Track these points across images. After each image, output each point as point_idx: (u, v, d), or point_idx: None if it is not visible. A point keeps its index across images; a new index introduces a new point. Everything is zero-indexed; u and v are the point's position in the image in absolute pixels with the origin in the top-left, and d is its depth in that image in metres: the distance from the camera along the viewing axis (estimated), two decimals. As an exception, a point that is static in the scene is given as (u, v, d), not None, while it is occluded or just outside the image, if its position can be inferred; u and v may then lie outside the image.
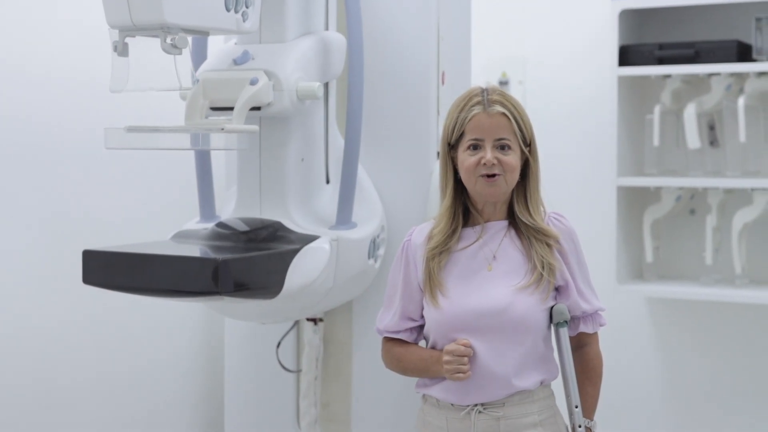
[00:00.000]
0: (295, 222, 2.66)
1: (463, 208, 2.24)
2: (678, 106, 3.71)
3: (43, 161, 2.93)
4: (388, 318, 2.29)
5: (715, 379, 3.82)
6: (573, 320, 2.25)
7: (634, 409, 3.89)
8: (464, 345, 2.14)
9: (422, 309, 2.25)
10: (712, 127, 3.69)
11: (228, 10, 2.37)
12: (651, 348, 3.90)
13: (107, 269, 2.51)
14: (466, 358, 2.14)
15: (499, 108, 2.17)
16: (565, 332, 2.22)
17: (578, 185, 3.90)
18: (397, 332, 2.29)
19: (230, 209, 2.79)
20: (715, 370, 3.82)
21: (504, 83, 4.08)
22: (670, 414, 3.90)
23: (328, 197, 2.79)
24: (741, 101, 3.49)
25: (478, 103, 2.18)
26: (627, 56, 3.66)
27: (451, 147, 2.22)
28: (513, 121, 2.18)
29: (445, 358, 2.15)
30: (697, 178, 3.64)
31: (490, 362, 2.16)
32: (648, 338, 3.90)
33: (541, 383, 2.22)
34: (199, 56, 2.72)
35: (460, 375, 2.14)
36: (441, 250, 2.21)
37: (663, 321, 3.89)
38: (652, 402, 3.91)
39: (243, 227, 2.65)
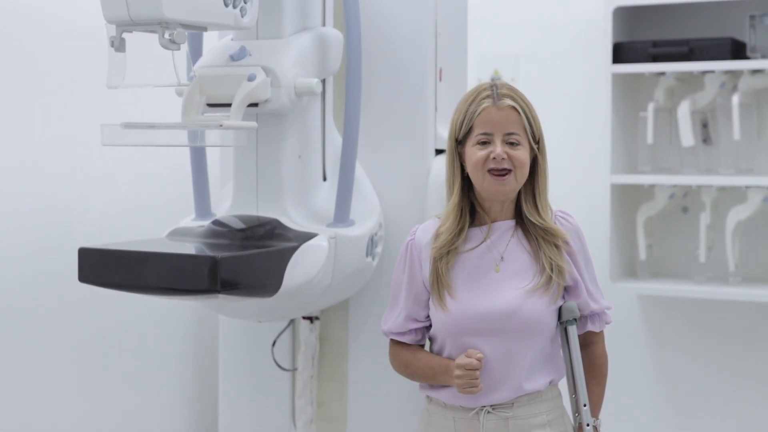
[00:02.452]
0: (293, 219, 2.64)
1: (469, 206, 2.21)
2: (672, 104, 3.71)
3: (38, 158, 2.90)
4: (393, 319, 2.26)
5: (707, 377, 3.82)
6: (581, 318, 2.23)
7: (627, 406, 3.89)
8: (477, 359, 2.10)
9: (428, 310, 2.22)
10: (705, 125, 3.69)
11: (226, 5, 2.36)
12: (644, 345, 3.90)
13: (103, 267, 2.48)
14: (477, 372, 2.10)
15: (509, 102, 2.14)
16: (574, 330, 2.21)
17: (571, 183, 3.89)
18: (403, 334, 2.26)
19: (226, 207, 2.76)
20: (708, 367, 3.82)
21: (495, 80, 4.06)
22: (662, 411, 3.90)
23: (325, 194, 2.77)
24: (735, 99, 3.49)
25: (487, 96, 2.15)
26: (621, 53, 3.65)
27: (458, 143, 2.19)
28: (523, 115, 2.15)
29: (457, 372, 2.11)
30: (691, 176, 3.64)
31: (500, 365, 2.14)
32: (641, 336, 3.90)
33: (550, 383, 2.20)
34: (195, 52, 2.69)
35: (473, 389, 2.11)
36: (448, 250, 2.17)
37: (656, 319, 3.89)
38: (644, 399, 3.91)
39: (239, 225, 2.63)
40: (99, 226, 3.04)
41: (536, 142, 2.19)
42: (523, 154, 2.15)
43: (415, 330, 2.25)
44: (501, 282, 2.16)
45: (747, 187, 3.57)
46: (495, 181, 2.13)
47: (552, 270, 2.15)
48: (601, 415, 2.33)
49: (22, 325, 2.87)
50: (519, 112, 2.15)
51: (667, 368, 3.88)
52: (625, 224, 3.79)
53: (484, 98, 2.15)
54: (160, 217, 3.05)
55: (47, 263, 2.92)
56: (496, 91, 2.16)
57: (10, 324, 2.84)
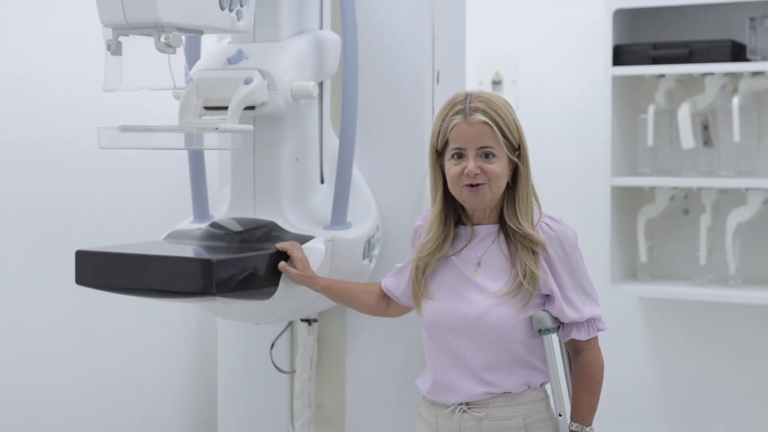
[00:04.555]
0: (290, 222, 2.65)
1: (455, 214, 2.24)
2: (672, 106, 3.70)
3: (35, 161, 2.91)
4: (387, 276, 2.46)
5: (708, 379, 3.82)
6: (566, 326, 2.22)
7: (628, 409, 3.89)
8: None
9: (400, 291, 2.39)
10: (706, 127, 3.69)
11: (222, 8, 2.36)
12: (645, 348, 3.90)
13: (100, 270, 2.49)
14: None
15: (480, 117, 2.12)
16: (549, 340, 2.20)
17: (572, 185, 3.89)
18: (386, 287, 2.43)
19: (224, 209, 2.77)
20: (709, 370, 3.82)
21: (497, 83, 4.07)
22: (663, 414, 3.89)
23: (322, 197, 2.78)
24: (735, 101, 3.48)
25: (459, 111, 2.15)
26: (621, 56, 3.65)
27: (438, 154, 2.21)
28: (496, 128, 2.13)
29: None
30: (691, 178, 3.63)
31: (466, 357, 2.18)
32: (642, 338, 3.90)
33: (529, 387, 2.21)
34: (192, 55, 2.70)
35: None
36: (433, 259, 2.24)
37: (657, 321, 3.89)
38: (645, 402, 3.91)
39: (237, 227, 2.64)
40: (96, 229, 3.05)
41: (516, 149, 2.18)
42: (497, 167, 2.14)
43: (383, 294, 2.45)
44: (476, 286, 2.19)
45: (747, 189, 3.57)
46: (470, 192, 2.16)
47: (524, 277, 2.15)
48: (601, 416, 2.32)
49: (20, 327, 2.88)
50: (491, 126, 2.13)
51: (668, 371, 3.88)
52: (626, 226, 3.79)
53: (456, 113, 2.15)
54: (158, 219, 3.06)
55: (45, 266, 2.93)
56: (468, 105, 2.14)
57: (9, 326, 2.85)
